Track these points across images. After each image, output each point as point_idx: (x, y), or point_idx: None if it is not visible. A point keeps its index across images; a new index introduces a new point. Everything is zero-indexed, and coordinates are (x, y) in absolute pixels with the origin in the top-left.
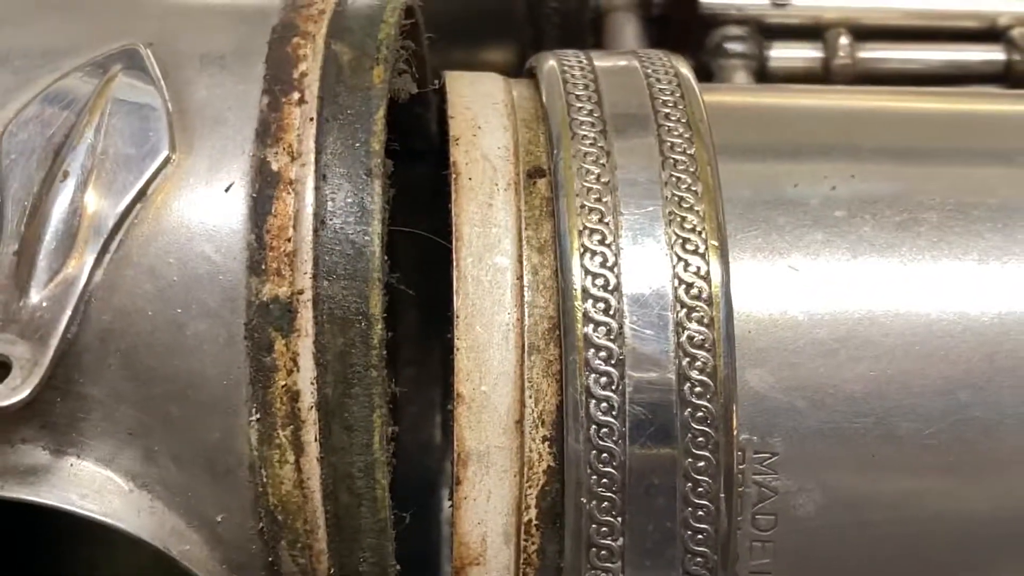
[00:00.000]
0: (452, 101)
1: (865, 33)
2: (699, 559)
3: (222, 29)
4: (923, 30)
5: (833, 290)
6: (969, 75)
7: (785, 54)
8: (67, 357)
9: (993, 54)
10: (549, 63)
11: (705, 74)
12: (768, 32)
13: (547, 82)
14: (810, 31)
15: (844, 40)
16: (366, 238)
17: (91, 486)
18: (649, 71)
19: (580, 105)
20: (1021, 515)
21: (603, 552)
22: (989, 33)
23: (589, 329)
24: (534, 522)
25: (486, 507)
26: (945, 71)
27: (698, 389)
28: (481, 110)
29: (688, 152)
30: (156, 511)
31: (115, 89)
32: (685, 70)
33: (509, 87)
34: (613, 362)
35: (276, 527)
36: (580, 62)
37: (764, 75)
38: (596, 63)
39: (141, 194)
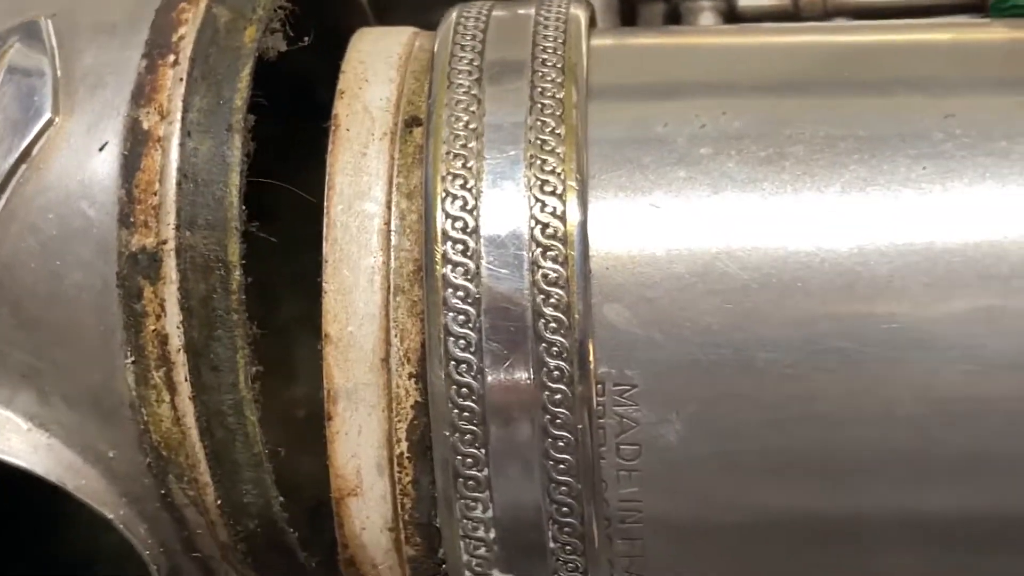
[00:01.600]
0: (348, 56)
1: None
2: (564, 488)
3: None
4: None
5: (692, 226)
6: (942, 6)
7: None
8: None
9: None
10: (451, 15)
11: (674, 19)
12: None
13: (440, 33)
14: None
15: None
16: (225, 189)
17: None
18: (540, 18)
19: (462, 55)
20: (881, 442)
21: (470, 482)
22: None
23: (448, 270)
24: (406, 455)
25: (357, 440)
26: (913, 5)
27: (552, 325)
28: (372, 63)
29: (557, 96)
30: (53, 448)
31: (9, 58)
32: (578, 15)
33: (413, 40)
34: (470, 301)
35: (162, 462)
36: (479, 13)
37: (733, 16)
38: (493, 13)
39: (25, 155)
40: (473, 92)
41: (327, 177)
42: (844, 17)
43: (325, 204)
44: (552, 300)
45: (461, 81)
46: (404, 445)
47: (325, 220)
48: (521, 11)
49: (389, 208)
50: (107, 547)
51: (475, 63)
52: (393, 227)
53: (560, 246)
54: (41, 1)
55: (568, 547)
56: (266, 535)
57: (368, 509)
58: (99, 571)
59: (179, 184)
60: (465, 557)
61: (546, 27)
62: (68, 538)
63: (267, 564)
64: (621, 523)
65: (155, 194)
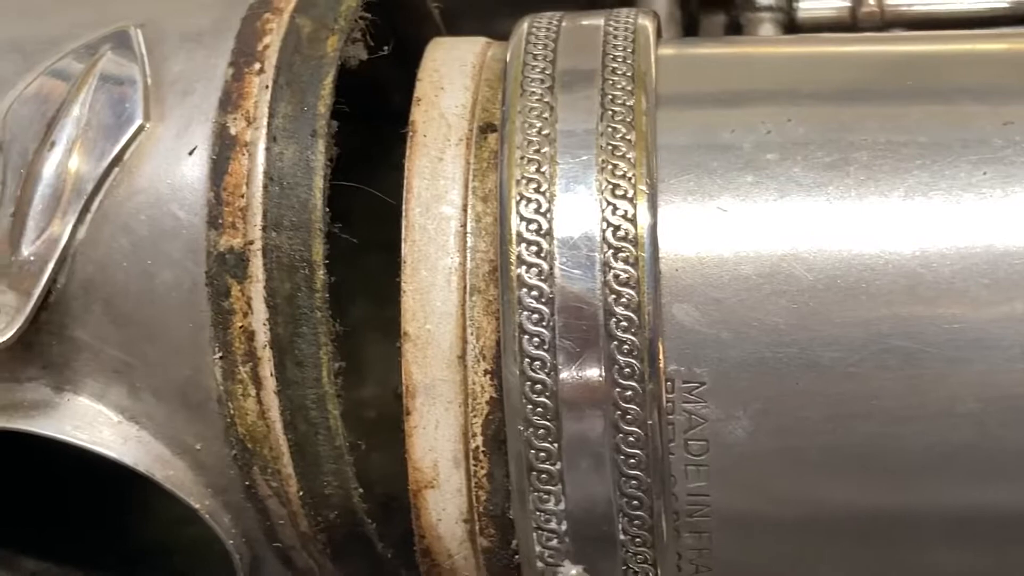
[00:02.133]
0: (424, 65)
1: None
2: (634, 481)
3: (205, 9)
4: None
5: (759, 229)
6: (995, 18)
7: (813, 4)
8: (58, 305)
9: None
10: (523, 25)
11: (735, 30)
12: None
13: (513, 43)
14: None
15: None
16: (309, 192)
17: (84, 418)
18: (610, 28)
19: (535, 64)
20: (941, 438)
21: (543, 475)
22: None
23: (522, 270)
24: (481, 448)
25: (435, 435)
26: (970, 16)
27: (623, 323)
28: (448, 72)
29: (627, 103)
30: (142, 440)
31: (102, 66)
32: (646, 25)
33: (486, 50)
34: (544, 300)
35: (247, 454)
36: (550, 23)
37: (793, 27)
38: (563, 23)
39: (117, 159)
40: (546, 99)
41: (405, 181)
42: (901, 28)
43: (403, 207)
44: (623, 300)
45: (534, 89)
46: (479, 439)
47: (404, 223)
48: (590, 22)
49: (465, 211)
50: (185, 539)
51: (547, 71)
52: (469, 229)
53: (631, 248)
54: (130, 11)
55: (638, 539)
56: (345, 526)
57: (444, 501)
58: (177, 562)
59: (265, 187)
60: (538, 548)
61: (615, 37)
62: (147, 531)
63: (345, 554)
64: (689, 517)
65: (242, 196)
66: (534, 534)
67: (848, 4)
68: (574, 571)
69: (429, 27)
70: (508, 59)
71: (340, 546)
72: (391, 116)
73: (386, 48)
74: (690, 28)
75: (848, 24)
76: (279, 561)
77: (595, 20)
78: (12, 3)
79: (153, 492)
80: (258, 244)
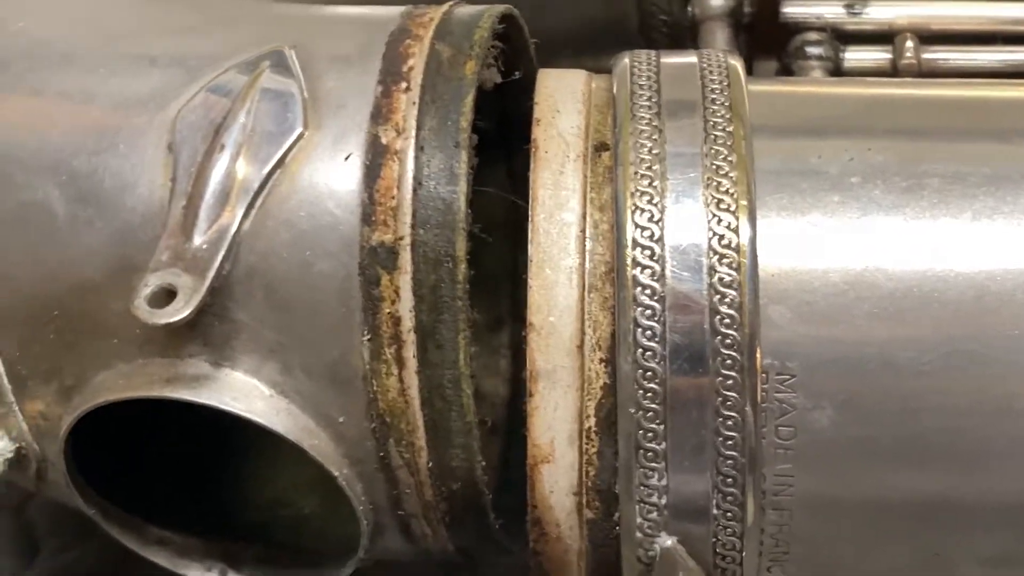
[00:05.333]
0: (539, 91)
1: (930, 37)
2: (729, 461)
3: (351, 35)
4: (982, 34)
5: (846, 242)
6: (1019, 73)
7: (857, 56)
8: (222, 289)
9: None
10: (623, 61)
11: (787, 74)
12: (843, 37)
13: (618, 75)
14: (881, 36)
15: (910, 43)
16: (454, 195)
17: (240, 391)
18: (704, 66)
19: (641, 93)
20: (1002, 432)
21: (650, 453)
22: None
23: (637, 272)
24: (593, 429)
25: (554, 415)
26: (1000, 69)
27: (726, 321)
28: (561, 98)
29: (727, 130)
30: (292, 413)
31: (263, 81)
32: (736, 65)
33: (590, 80)
34: (656, 298)
35: (385, 428)
36: (648, 59)
37: (839, 75)
38: (662, 60)
39: (280, 162)
40: (655, 124)
41: (531, 191)
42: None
43: (530, 213)
44: (727, 300)
45: (643, 115)
46: (592, 420)
47: (530, 227)
48: (686, 60)
49: (584, 218)
50: (282, 520)
51: (654, 99)
52: (588, 234)
53: (734, 254)
54: (282, 34)
55: (728, 514)
56: (465, 496)
57: (558, 475)
58: (275, 538)
59: (415, 190)
60: (638, 520)
61: (711, 72)
62: (246, 514)
63: (461, 523)
64: (774, 495)
65: (393, 198)
66: (636, 507)
67: (889, 56)
68: (669, 542)
69: (526, 63)
70: (615, 88)
71: (458, 515)
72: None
73: (517, 74)
74: None
75: (889, 73)
76: (398, 529)
77: (690, 58)
78: (167, 25)
79: (247, 478)
80: (407, 240)
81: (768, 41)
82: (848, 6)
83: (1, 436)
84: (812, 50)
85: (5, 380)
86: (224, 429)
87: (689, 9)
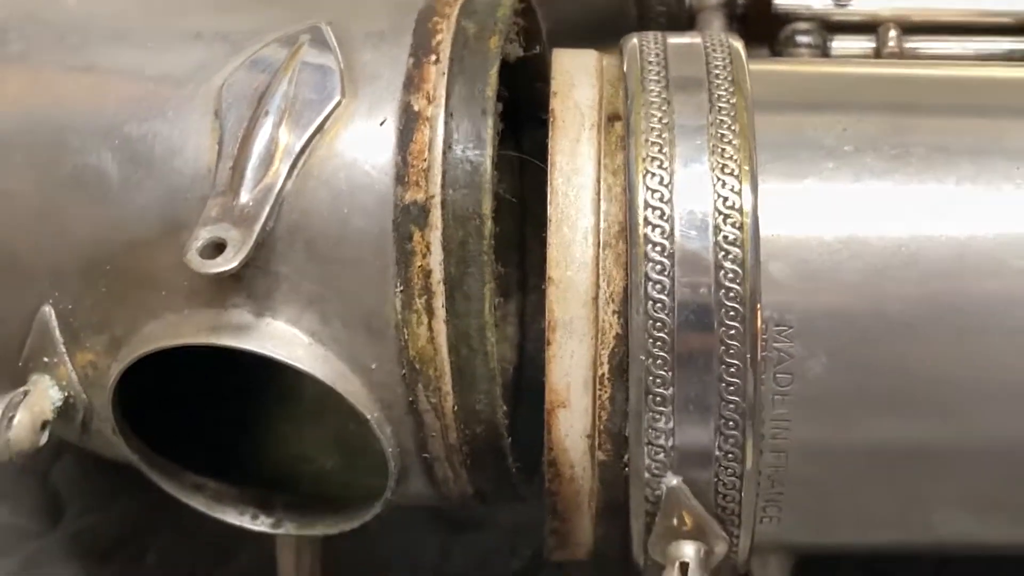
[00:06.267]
0: (555, 67)
1: (912, 28)
2: (731, 406)
3: (382, 13)
4: (962, 25)
5: (839, 205)
6: (993, 58)
7: (844, 45)
8: (266, 244)
9: (1020, 44)
10: (632, 40)
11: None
12: (830, 27)
13: (628, 53)
14: (866, 26)
15: (893, 33)
16: (480, 158)
17: (282, 339)
18: (708, 46)
19: (651, 68)
20: (983, 379)
21: (658, 399)
22: (1020, 28)
23: (648, 230)
24: (606, 376)
25: (570, 363)
26: (977, 58)
27: (730, 275)
28: (576, 73)
29: (731, 102)
30: (328, 360)
31: (302, 54)
32: (737, 45)
33: (601, 58)
34: (666, 255)
35: (415, 373)
36: (656, 39)
37: None
38: (668, 40)
39: (320, 128)
40: (664, 96)
41: (549, 157)
42: None
43: (548, 177)
44: (730, 256)
45: (652, 88)
46: (605, 368)
47: (549, 189)
48: (690, 40)
49: (598, 182)
50: (306, 474)
51: (662, 75)
52: (602, 196)
53: (737, 215)
54: (317, 11)
55: (729, 455)
56: (487, 439)
57: (573, 419)
58: (301, 490)
59: (444, 153)
60: (646, 461)
61: (715, 51)
62: (272, 468)
63: (481, 466)
64: (772, 439)
65: (424, 160)
66: (645, 449)
67: (873, 45)
68: (675, 481)
69: (539, 42)
70: (626, 65)
71: (479, 457)
72: None
73: (538, 48)
74: None
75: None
76: (422, 471)
77: (694, 39)
78: (209, 3)
79: (270, 437)
80: (437, 199)
81: (760, 30)
82: None
83: (52, 385)
84: (802, 39)
85: (57, 332)
86: (243, 392)
87: (686, 0)
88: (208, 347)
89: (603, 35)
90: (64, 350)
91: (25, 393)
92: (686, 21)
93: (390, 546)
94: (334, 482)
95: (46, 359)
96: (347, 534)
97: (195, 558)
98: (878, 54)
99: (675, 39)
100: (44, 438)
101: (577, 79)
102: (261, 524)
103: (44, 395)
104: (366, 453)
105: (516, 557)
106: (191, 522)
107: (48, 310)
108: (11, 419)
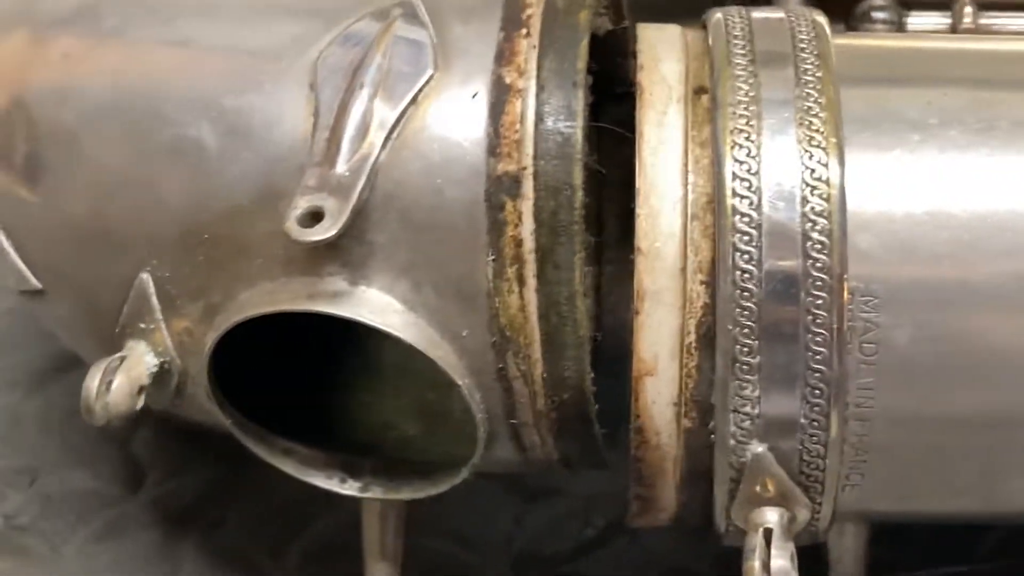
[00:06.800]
0: (640, 41)
1: (987, 4)
2: (817, 375)
3: None
4: None
5: (925, 176)
6: None
7: (919, 21)
8: (361, 214)
9: None
10: (716, 15)
11: None
12: (906, 3)
13: (713, 27)
14: (941, 3)
15: (968, 9)
16: (571, 130)
17: (376, 306)
18: (793, 20)
19: (736, 42)
20: None
21: (744, 367)
22: None
23: (736, 201)
24: (693, 345)
25: (658, 332)
26: None
27: (817, 246)
28: (662, 47)
29: (817, 76)
30: (420, 327)
31: (396, 28)
32: (822, 20)
33: (685, 33)
34: (753, 226)
35: (505, 341)
36: (740, 14)
37: None
38: (753, 15)
39: (413, 100)
40: (750, 70)
41: (637, 129)
42: None
43: (636, 149)
44: (817, 227)
45: (739, 62)
46: (692, 337)
47: (637, 161)
48: (775, 15)
49: (686, 154)
50: (389, 440)
51: (748, 48)
52: (690, 168)
53: (824, 186)
54: None
55: (815, 423)
56: (574, 405)
57: (660, 387)
58: (385, 455)
59: (536, 125)
60: (732, 428)
61: (800, 27)
62: (356, 435)
63: (568, 432)
64: (857, 407)
65: (516, 132)
66: (731, 416)
67: (949, 21)
68: (760, 448)
69: (622, 16)
70: (711, 39)
71: (566, 423)
72: None
73: (626, 22)
74: None
75: None
76: (509, 437)
77: (778, 14)
78: None
79: (353, 405)
80: (529, 170)
81: (836, 6)
82: None
83: (148, 351)
84: (878, 15)
85: (155, 299)
86: (321, 358)
87: None
88: (301, 313)
89: (676, 9)
90: (161, 317)
91: (122, 359)
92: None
93: (463, 513)
94: (416, 449)
95: (143, 325)
96: (421, 500)
97: (274, 522)
98: (954, 30)
99: (759, 14)
100: (141, 402)
101: (663, 53)
102: (349, 488)
103: (140, 361)
104: (446, 420)
105: (589, 526)
106: (269, 487)
107: (146, 277)
108: (109, 383)
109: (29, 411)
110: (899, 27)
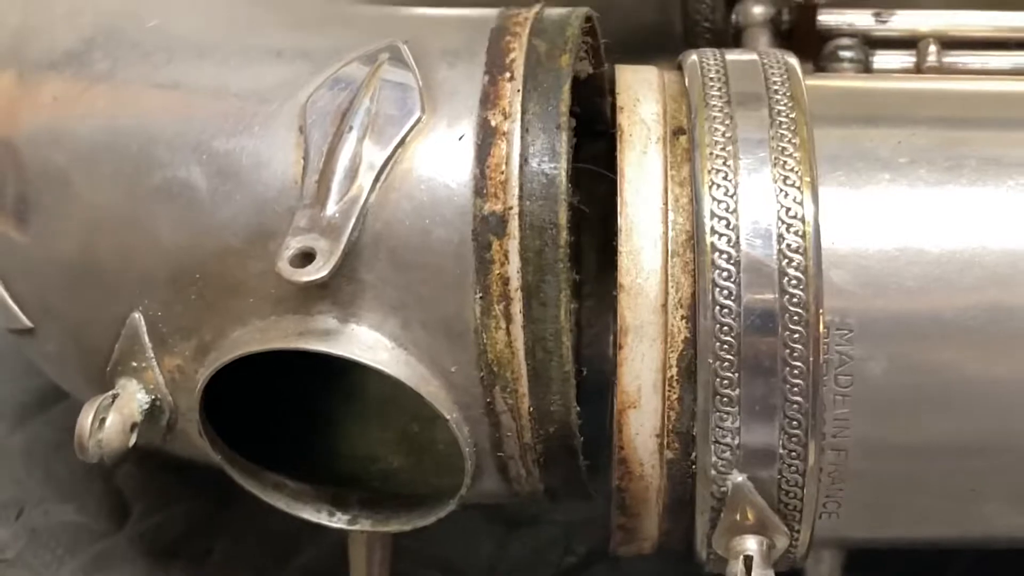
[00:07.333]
0: (619, 83)
1: (951, 43)
2: (795, 406)
3: (456, 32)
4: (998, 40)
5: (896, 213)
6: None
7: (885, 60)
8: (352, 253)
9: None
10: (692, 57)
11: None
12: (872, 43)
13: (689, 69)
14: (906, 42)
15: (932, 48)
16: (555, 171)
17: (366, 344)
18: (765, 62)
19: (712, 84)
20: None
21: (725, 399)
22: None
23: (715, 239)
24: (675, 378)
25: (640, 365)
26: (1013, 72)
27: (793, 281)
28: (640, 88)
29: (790, 116)
30: (410, 363)
31: (383, 72)
32: (793, 62)
33: (661, 74)
34: (732, 262)
35: (492, 376)
36: (715, 56)
37: None
38: (727, 57)
39: (401, 142)
40: (726, 111)
41: (619, 169)
42: None
43: (618, 189)
44: (794, 264)
45: (715, 103)
46: (674, 370)
47: (619, 200)
48: (748, 57)
49: (666, 192)
50: (373, 473)
51: (723, 90)
52: (670, 207)
53: (799, 224)
54: (394, 31)
55: (793, 453)
56: (560, 438)
57: (643, 419)
58: (373, 486)
59: (521, 166)
60: (713, 459)
61: (772, 69)
62: (341, 468)
63: (554, 463)
64: (833, 437)
65: (502, 173)
66: (712, 447)
67: (914, 59)
68: (740, 478)
69: (599, 59)
70: (687, 80)
71: (552, 456)
72: None
73: (605, 65)
74: None
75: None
76: (496, 469)
77: (751, 56)
78: (288, 22)
79: (338, 437)
80: (515, 210)
81: (804, 46)
82: (876, 15)
83: (139, 389)
84: (844, 54)
85: (147, 338)
86: (307, 393)
87: (733, 17)
88: (291, 352)
89: (647, 51)
90: (152, 355)
91: (114, 397)
92: (732, 37)
93: (447, 541)
94: (400, 481)
95: (134, 364)
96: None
97: (259, 556)
98: (919, 69)
99: (733, 56)
100: (133, 439)
101: (641, 94)
102: (338, 521)
103: (132, 398)
104: (431, 452)
105: (571, 553)
106: (255, 519)
107: (138, 316)
108: (103, 421)
109: (15, 445)
110: (866, 66)
